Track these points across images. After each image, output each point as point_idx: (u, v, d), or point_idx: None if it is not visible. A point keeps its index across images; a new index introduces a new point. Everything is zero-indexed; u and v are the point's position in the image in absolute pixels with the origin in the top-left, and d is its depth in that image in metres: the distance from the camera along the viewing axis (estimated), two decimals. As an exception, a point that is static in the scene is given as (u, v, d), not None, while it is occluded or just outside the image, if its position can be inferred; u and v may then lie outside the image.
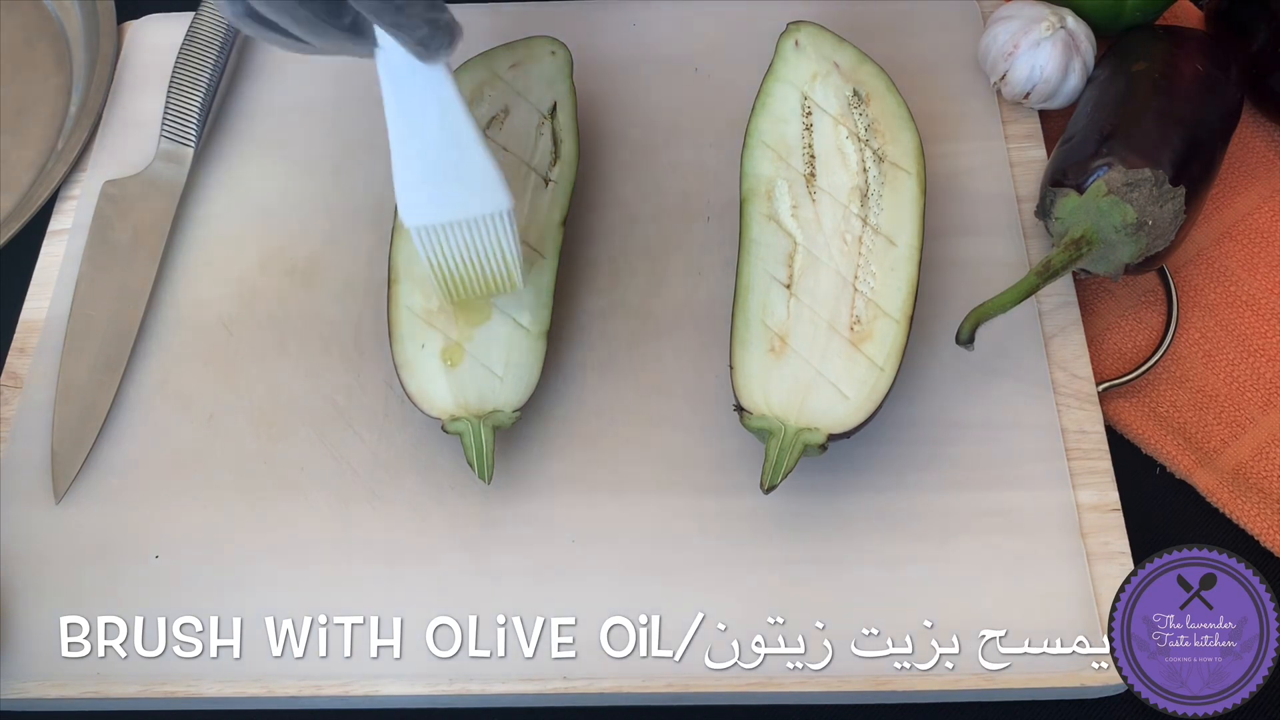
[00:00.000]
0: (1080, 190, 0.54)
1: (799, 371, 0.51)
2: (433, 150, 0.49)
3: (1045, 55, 0.60)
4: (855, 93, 0.58)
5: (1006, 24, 0.61)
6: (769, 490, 0.49)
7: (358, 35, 0.45)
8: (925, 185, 0.55)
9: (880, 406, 0.51)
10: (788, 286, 0.54)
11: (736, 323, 0.53)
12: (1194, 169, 0.55)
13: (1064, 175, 0.55)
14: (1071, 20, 0.61)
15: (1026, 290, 0.52)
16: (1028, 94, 0.61)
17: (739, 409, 0.51)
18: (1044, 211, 0.56)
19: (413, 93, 0.48)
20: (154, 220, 0.62)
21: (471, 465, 0.51)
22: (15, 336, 0.59)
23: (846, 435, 0.50)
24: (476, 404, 0.52)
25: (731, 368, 0.52)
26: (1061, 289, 0.57)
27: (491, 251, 0.51)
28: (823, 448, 0.50)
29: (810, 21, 0.59)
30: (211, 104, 0.64)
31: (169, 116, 0.63)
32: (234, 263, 0.61)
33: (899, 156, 0.56)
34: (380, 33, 0.46)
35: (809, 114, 0.57)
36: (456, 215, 0.50)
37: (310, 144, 0.65)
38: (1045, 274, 0.53)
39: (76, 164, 0.65)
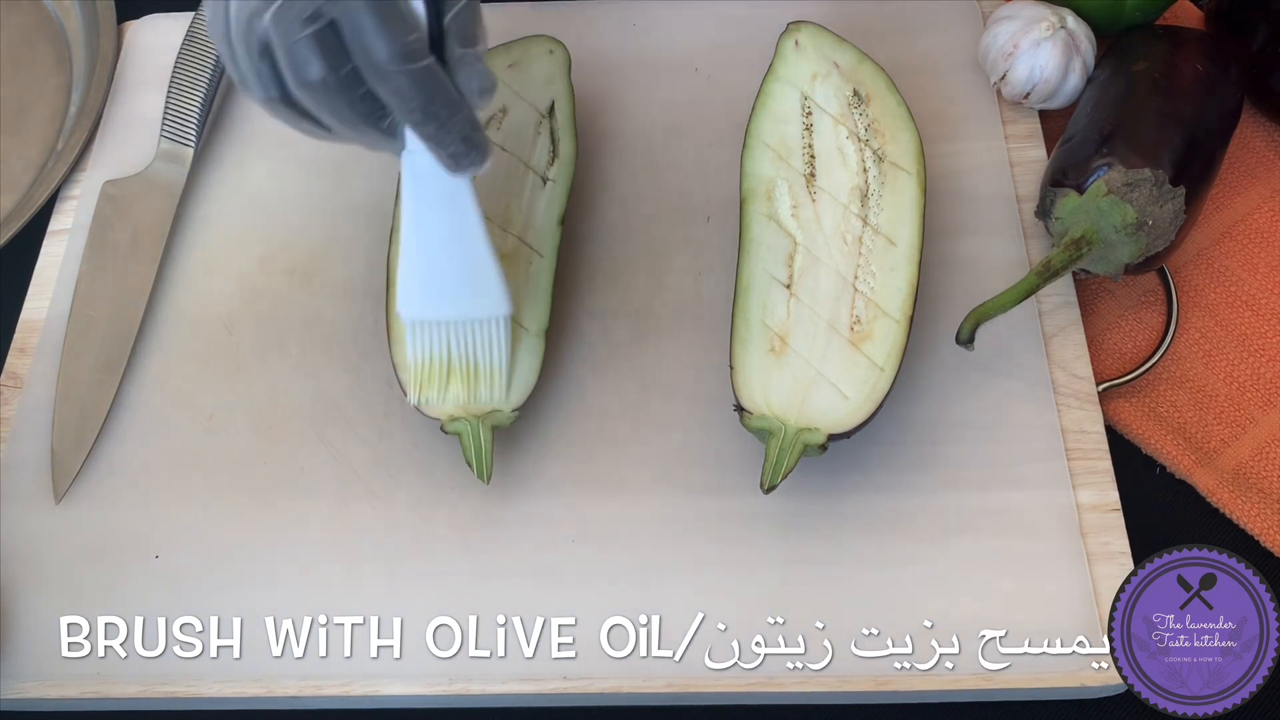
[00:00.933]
0: (1080, 190, 0.54)
1: (799, 371, 0.51)
2: (442, 251, 0.50)
3: (1045, 55, 0.60)
4: (855, 93, 0.58)
5: (1006, 24, 0.61)
6: (769, 490, 0.49)
7: (391, 136, 0.46)
8: (925, 185, 0.55)
9: (880, 406, 0.51)
10: (788, 286, 0.54)
11: (736, 323, 0.53)
12: (1194, 169, 0.55)
13: (1064, 175, 0.55)
14: (1071, 20, 0.61)
15: (1026, 290, 0.52)
16: (1028, 94, 0.61)
17: (739, 409, 0.51)
18: (1044, 211, 0.56)
19: (433, 195, 0.49)
20: (154, 220, 0.62)
21: (470, 465, 0.51)
22: (15, 336, 0.59)
23: (846, 435, 0.50)
24: (475, 404, 0.52)
25: (731, 368, 0.52)
26: (1061, 289, 0.57)
27: (483, 356, 0.52)
28: (823, 448, 0.50)
29: (810, 22, 0.59)
30: (211, 104, 0.64)
31: (169, 116, 0.63)
32: (234, 263, 0.61)
33: (899, 156, 0.56)
34: (411, 137, 0.46)
35: (809, 114, 0.57)
36: (454, 315, 0.51)
37: (310, 144, 0.64)
38: (1045, 274, 0.53)
39: (76, 164, 0.65)
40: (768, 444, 0.50)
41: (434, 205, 0.49)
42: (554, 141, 0.58)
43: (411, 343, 0.52)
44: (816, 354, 0.52)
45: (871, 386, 0.51)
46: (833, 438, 0.50)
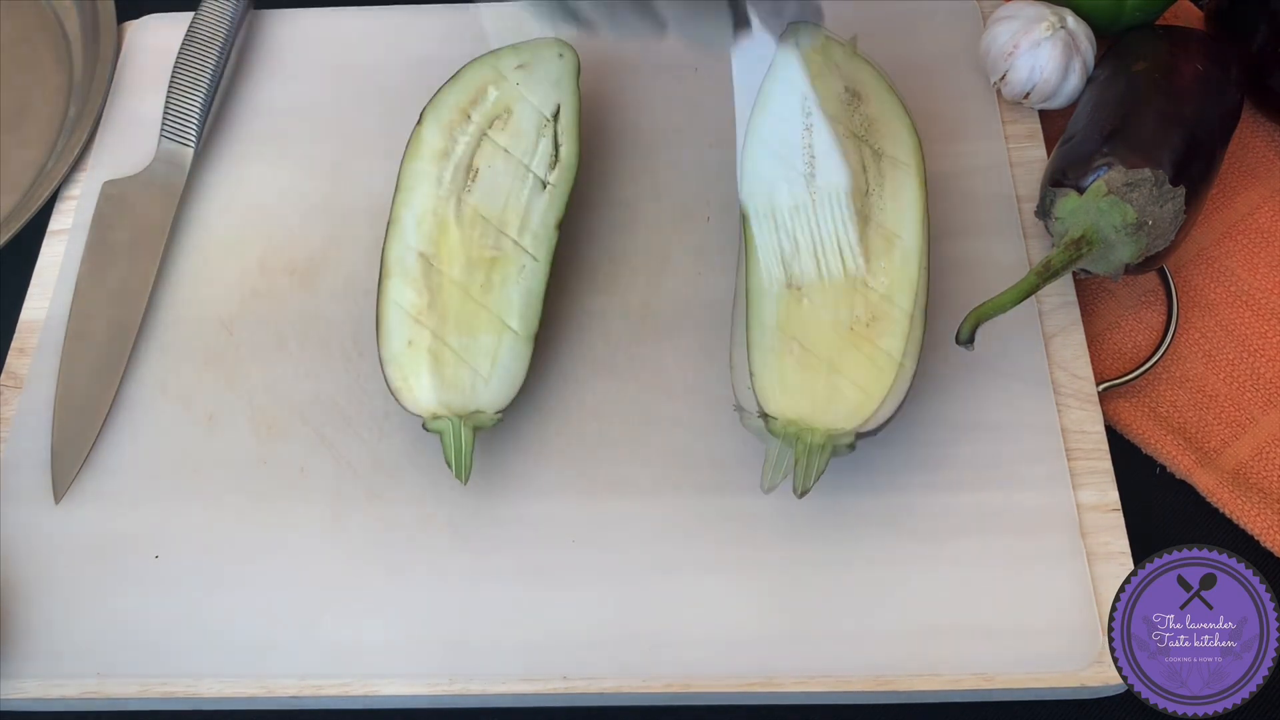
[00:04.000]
0: (1080, 190, 0.54)
1: (818, 372, 0.51)
2: (781, 131, 0.53)
3: (1045, 55, 0.60)
4: (853, 92, 0.58)
5: (1006, 24, 0.61)
6: (802, 494, 0.49)
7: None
8: (926, 179, 0.55)
9: (905, 400, 0.50)
10: (798, 288, 0.53)
11: (751, 328, 0.52)
12: (1194, 169, 0.55)
13: (1064, 175, 0.55)
14: (1071, 20, 0.61)
15: (1026, 290, 0.52)
16: (1028, 94, 0.61)
17: (763, 415, 0.51)
18: (1044, 211, 0.56)
19: (764, 75, 0.53)
20: (154, 220, 0.62)
21: (449, 464, 0.51)
22: (15, 336, 0.59)
23: (874, 433, 0.50)
24: (459, 404, 0.52)
25: (750, 374, 0.51)
26: (1061, 289, 0.57)
27: (827, 234, 0.53)
28: (851, 446, 0.50)
29: (805, 21, 0.59)
30: (211, 104, 0.64)
31: (169, 116, 0.63)
32: (234, 263, 0.61)
33: (898, 153, 0.56)
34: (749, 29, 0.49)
35: (808, 114, 0.57)
36: (797, 196, 0.53)
37: (310, 144, 0.65)
38: (1045, 274, 0.53)
39: (76, 164, 0.64)
40: (795, 448, 0.50)
41: (768, 85, 0.53)
42: (556, 146, 0.58)
43: (759, 234, 0.53)
44: (835, 354, 0.51)
45: (894, 382, 0.50)
46: (860, 436, 0.50)
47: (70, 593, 0.52)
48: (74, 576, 0.53)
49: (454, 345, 0.53)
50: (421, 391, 0.52)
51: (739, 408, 0.51)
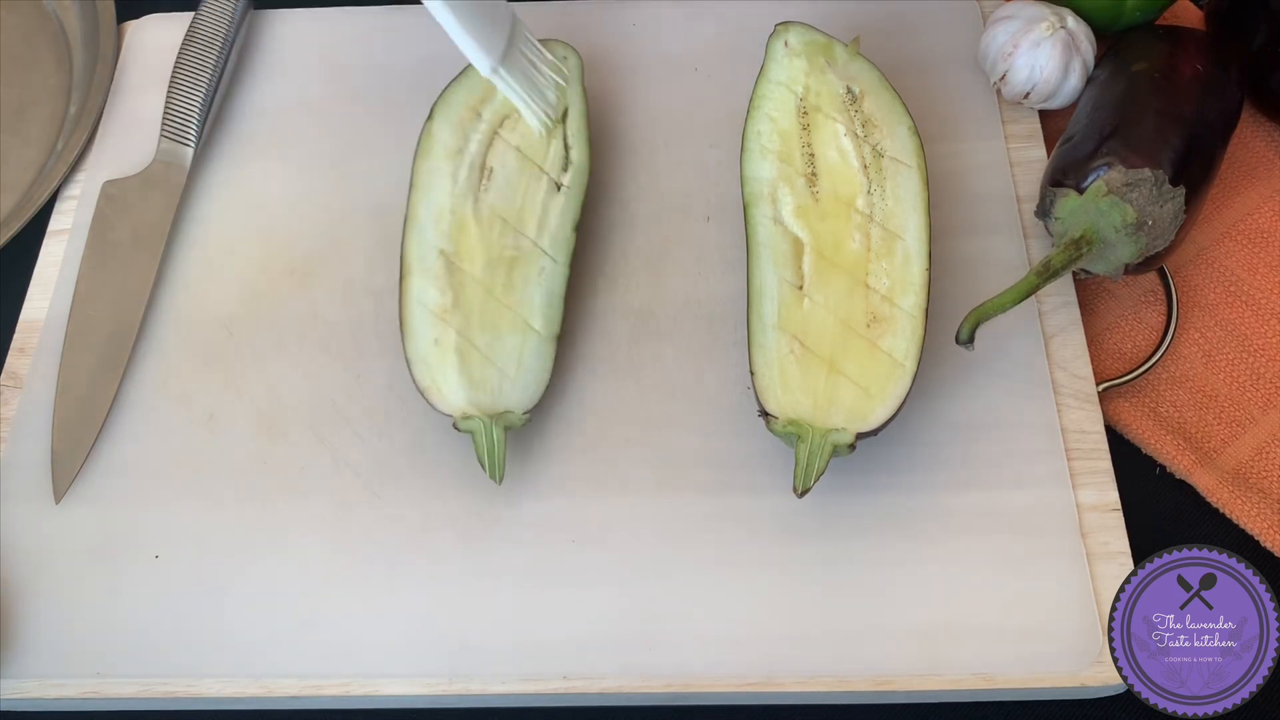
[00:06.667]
0: (1080, 190, 0.54)
1: (820, 373, 0.51)
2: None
3: (1045, 55, 0.60)
4: (849, 90, 0.58)
5: (1006, 24, 0.61)
6: (802, 494, 0.49)
7: None
8: (927, 177, 0.55)
9: (904, 402, 0.51)
10: (800, 288, 0.53)
11: (752, 328, 0.53)
12: (1194, 169, 0.55)
13: (1064, 175, 0.55)
14: (1071, 20, 0.61)
15: (1026, 290, 0.52)
16: (1028, 94, 0.61)
17: (764, 414, 0.51)
18: (1044, 211, 0.56)
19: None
20: (154, 220, 0.62)
21: (482, 465, 0.51)
22: (15, 336, 0.59)
23: (874, 433, 0.50)
24: (488, 403, 0.52)
25: (752, 374, 0.52)
26: (1061, 289, 0.57)
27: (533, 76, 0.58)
28: (851, 447, 0.50)
29: (798, 22, 0.59)
30: (211, 104, 0.64)
31: (169, 116, 0.63)
32: (234, 263, 0.61)
33: (898, 151, 0.56)
34: None
35: (804, 114, 0.57)
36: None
37: (310, 144, 0.65)
38: (1045, 274, 0.53)
39: (76, 164, 0.64)
40: (796, 448, 0.50)
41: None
42: (566, 148, 0.58)
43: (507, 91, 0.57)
44: (836, 354, 0.52)
45: (895, 382, 0.51)
46: (860, 436, 0.50)
47: (70, 593, 0.52)
48: (74, 576, 0.53)
49: (480, 344, 0.53)
50: (450, 391, 0.52)
51: (763, 413, 0.51)
